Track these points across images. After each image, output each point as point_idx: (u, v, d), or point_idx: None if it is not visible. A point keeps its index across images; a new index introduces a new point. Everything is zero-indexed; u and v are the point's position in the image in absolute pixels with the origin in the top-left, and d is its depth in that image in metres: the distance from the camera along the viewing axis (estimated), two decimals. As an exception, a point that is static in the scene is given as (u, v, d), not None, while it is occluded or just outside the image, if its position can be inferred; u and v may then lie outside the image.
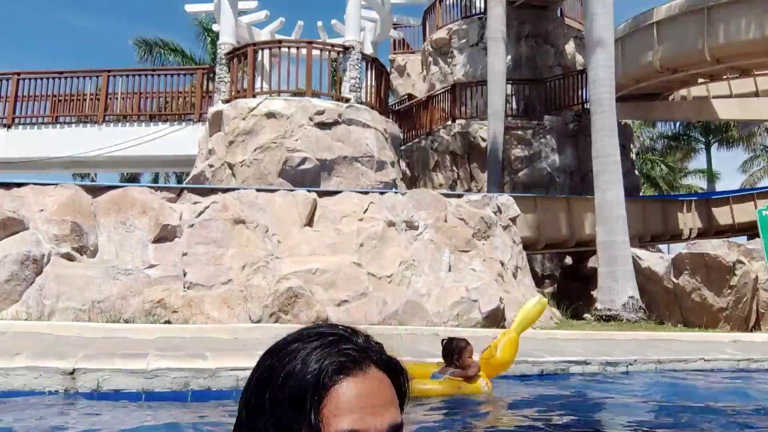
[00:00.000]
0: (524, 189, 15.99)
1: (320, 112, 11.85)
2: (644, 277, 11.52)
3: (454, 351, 4.46)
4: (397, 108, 19.27)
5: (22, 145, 14.21)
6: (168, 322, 7.18)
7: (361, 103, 12.52)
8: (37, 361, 3.80)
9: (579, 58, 18.35)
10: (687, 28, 14.05)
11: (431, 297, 8.30)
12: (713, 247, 10.97)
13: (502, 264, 9.39)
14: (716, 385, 5.33)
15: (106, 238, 7.89)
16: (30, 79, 14.69)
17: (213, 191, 8.91)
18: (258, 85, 13.00)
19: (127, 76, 14.87)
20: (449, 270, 8.77)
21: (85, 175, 26.67)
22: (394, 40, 22.43)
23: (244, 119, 11.86)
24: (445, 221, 9.24)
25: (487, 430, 3.25)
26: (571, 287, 15.55)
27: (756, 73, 16.43)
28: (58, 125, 14.35)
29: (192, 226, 8.10)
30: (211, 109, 12.83)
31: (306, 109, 11.80)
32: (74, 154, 13.95)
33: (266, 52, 13.44)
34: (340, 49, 12.82)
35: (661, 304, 11.39)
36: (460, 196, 10.28)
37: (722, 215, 16.40)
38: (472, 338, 6.78)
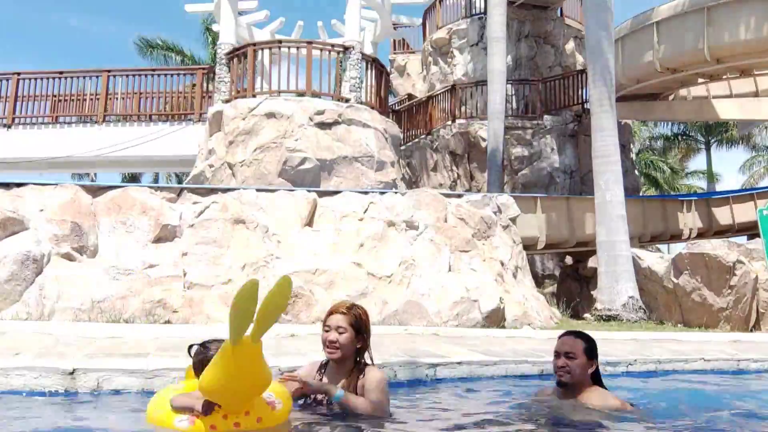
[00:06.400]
0: (524, 189, 15.99)
1: (320, 112, 11.85)
2: (644, 277, 11.52)
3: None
4: (397, 108, 19.27)
5: (22, 145, 14.21)
6: (168, 322, 7.19)
7: (361, 103, 12.53)
8: (37, 361, 3.80)
9: (579, 58, 18.36)
10: (687, 27, 14.06)
11: (431, 297, 8.30)
12: (713, 247, 10.96)
13: (502, 264, 9.38)
14: (716, 386, 5.33)
15: (106, 238, 7.89)
16: (30, 79, 14.69)
17: (213, 191, 8.92)
18: (258, 85, 13.00)
19: (127, 76, 14.87)
20: (449, 270, 8.77)
21: (85, 175, 26.66)
22: (394, 40, 22.45)
23: (244, 119, 11.86)
24: (445, 221, 9.24)
25: (480, 428, 3.25)
26: (571, 287, 15.56)
27: (756, 73, 16.44)
28: (58, 125, 14.35)
29: (192, 226, 8.10)
30: (211, 109, 12.84)
31: (306, 109, 11.80)
32: (74, 154, 13.95)
33: (266, 52, 13.44)
34: (340, 49, 12.82)
35: (661, 304, 11.39)
36: (460, 196, 10.28)
37: (722, 215, 16.41)
38: (471, 338, 6.77)
